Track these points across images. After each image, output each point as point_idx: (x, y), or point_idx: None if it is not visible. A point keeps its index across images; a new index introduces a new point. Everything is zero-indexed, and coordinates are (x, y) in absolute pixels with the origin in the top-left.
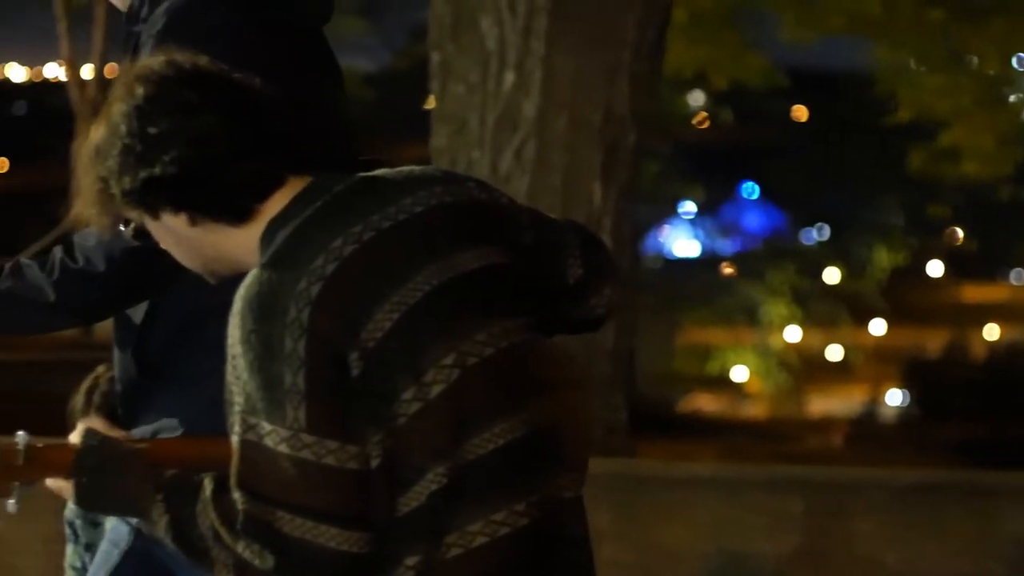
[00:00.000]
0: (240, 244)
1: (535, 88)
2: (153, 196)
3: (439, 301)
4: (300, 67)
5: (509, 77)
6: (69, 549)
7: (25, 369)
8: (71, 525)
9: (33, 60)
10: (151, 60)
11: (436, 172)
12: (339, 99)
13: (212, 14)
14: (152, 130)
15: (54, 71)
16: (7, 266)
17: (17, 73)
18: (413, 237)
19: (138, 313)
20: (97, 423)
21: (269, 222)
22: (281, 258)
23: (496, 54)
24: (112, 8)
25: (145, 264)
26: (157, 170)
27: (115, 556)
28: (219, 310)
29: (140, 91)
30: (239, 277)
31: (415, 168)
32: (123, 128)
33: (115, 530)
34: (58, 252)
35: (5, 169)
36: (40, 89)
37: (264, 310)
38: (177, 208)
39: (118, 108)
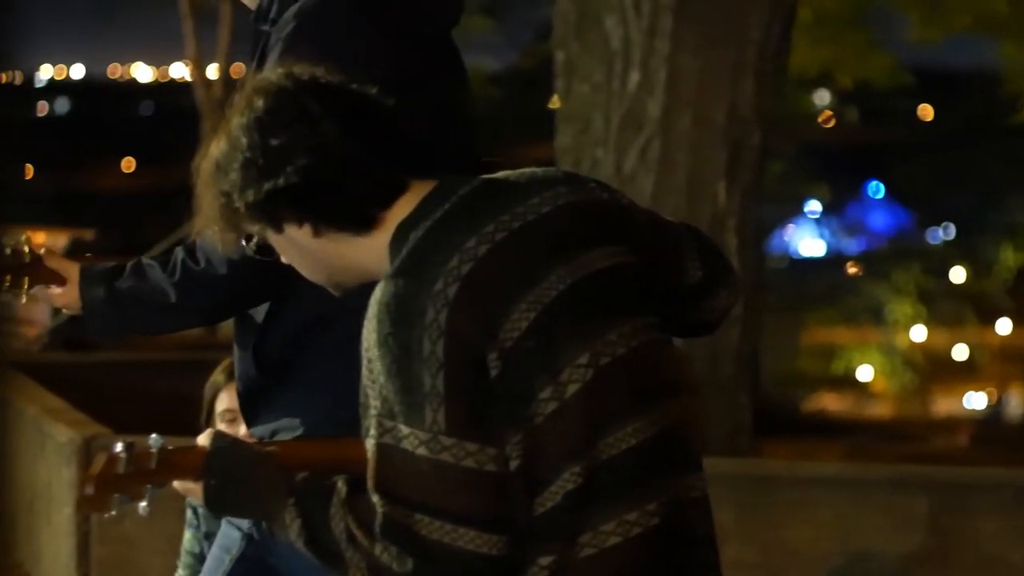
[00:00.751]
0: (366, 252)
1: (660, 87)
2: (277, 208)
3: (573, 300)
4: (426, 71)
5: (634, 76)
6: (188, 534)
7: (151, 368)
8: (194, 511)
9: (159, 60)
10: (269, 73)
11: (558, 173)
12: (464, 102)
13: (341, 19)
14: (273, 141)
15: (180, 71)
16: (129, 265)
17: (144, 73)
18: (544, 237)
19: (259, 313)
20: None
21: (399, 225)
22: (415, 260)
23: (621, 53)
24: (238, 8)
25: (266, 266)
26: (280, 181)
27: (227, 562)
28: (342, 312)
29: (259, 103)
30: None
31: (536, 169)
32: (244, 141)
33: (226, 535)
34: (180, 253)
35: (132, 169)
36: (166, 89)
37: (401, 313)
38: (301, 219)
39: (237, 121)
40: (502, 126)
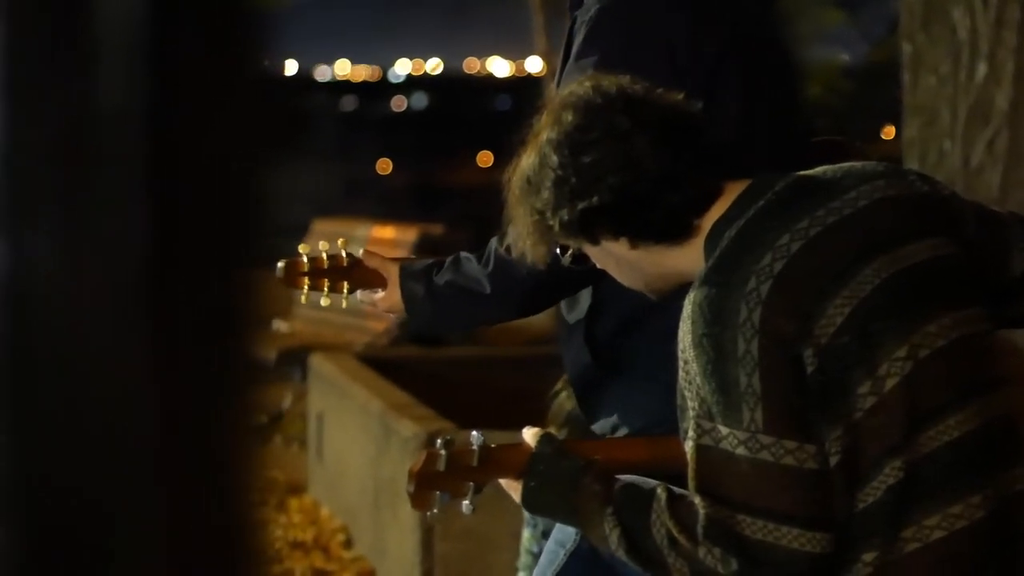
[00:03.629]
0: (683, 259)
1: (1007, 79)
2: (592, 225)
3: (889, 294)
4: (741, 52)
5: (981, 68)
6: (527, 533)
7: (499, 363)
8: None
9: (516, 54)
10: (576, 87)
11: (877, 167)
12: (792, 87)
13: (642, 5)
14: (585, 159)
15: (536, 65)
16: (448, 260)
17: (500, 68)
18: (859, 231)
19: (583, 304)
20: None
21: (713, 225)
22: (728, 260)
23: (968, 45)
24: None
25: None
26: (594, 200)
27: (561, 556)
28: (671, 299)
29: (568, 118)
30: None
31: (855, 164)
32: (554, 158)
33: (561, 530)
34: (493, 243)
35: (489, 163)
36: (522, 84)
37: (715, 313)
38: (617, 234)
39: (546, 136)
40: (854, 118)
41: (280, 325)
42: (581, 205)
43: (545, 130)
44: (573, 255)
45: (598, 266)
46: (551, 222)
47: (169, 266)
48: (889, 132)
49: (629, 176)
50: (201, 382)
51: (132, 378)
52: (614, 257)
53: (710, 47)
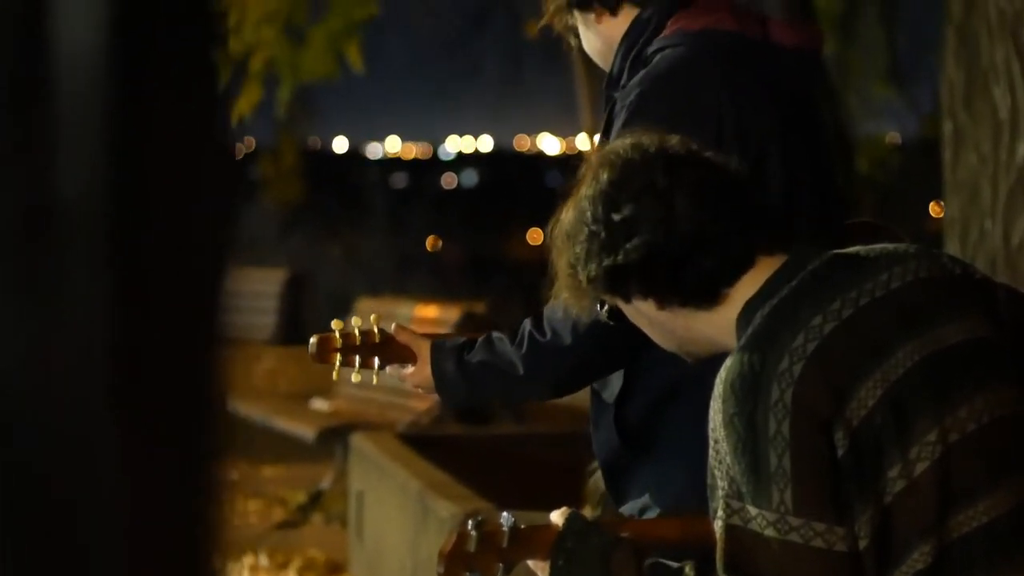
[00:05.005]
0: (712, 325)
1: None
2: (618, 283)
3: (923, 376)
4: (784, 130)
5: (1021, 147)
6: None
7: (544, 440)
8: None
9: (566, 131)
10: (616, 144)
11: (910, 248)
12: (828, 166)
13: (685, 85)
14: (616, 216)
15: (586, 142)
16: (480, 339)
17: (551, 145)
18: (893, 313)
19: (614, 384)
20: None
21: (747, 302)
22: (761, 338)
23: (1008, 123)
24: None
25: (612, 336)
26: (620, 258)
27: None
28: (698, 380)
29: (605, 176)
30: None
31: (888, 245)
32: (589, 214)
33: None
34: (527, 325)
35: (539, 240)
36: (572, 161)
37: (746, 392)
38: (644, 294)
39: (585, 191)
40: (902, 194)
41: (322, 404)
42: (607, 262)
43: (584, 185)
44: (610, 311)
45: (634, 323)
46: (580, 276)
47: (135, 352)
48: (937, 209)
49: (659, 236)
50: (171, 468)
51: (100, 466)
52: (646, 316)
53: (754, 126)
